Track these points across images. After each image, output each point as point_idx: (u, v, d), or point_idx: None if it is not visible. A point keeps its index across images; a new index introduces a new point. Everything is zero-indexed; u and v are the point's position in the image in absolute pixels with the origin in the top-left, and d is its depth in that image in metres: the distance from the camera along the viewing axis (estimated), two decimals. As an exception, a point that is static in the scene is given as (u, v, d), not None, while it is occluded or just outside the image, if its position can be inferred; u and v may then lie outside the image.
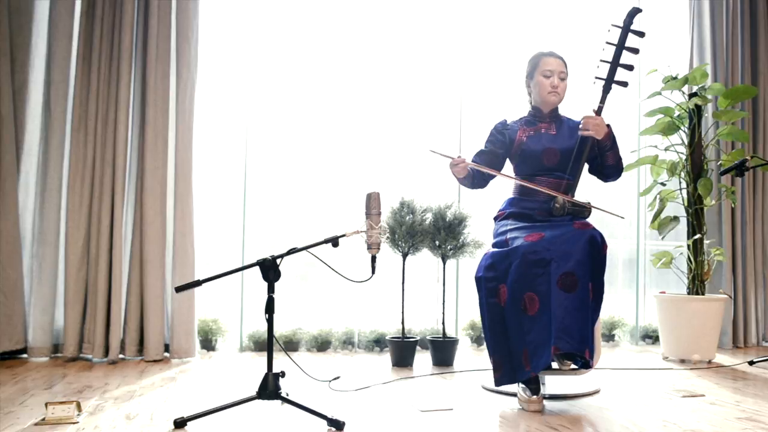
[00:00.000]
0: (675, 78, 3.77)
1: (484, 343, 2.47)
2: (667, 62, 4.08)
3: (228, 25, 3.82)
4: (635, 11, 2.63)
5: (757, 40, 4.36)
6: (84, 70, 3.35)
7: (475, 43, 4.13)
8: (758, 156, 4.18)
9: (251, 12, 3.82)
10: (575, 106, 2.67)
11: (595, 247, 2.33)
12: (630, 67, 2.63)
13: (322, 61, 3.97)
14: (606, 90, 2.63)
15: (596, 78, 2.65)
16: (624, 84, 2.64)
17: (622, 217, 2.60)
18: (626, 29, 2.62)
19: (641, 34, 2.63)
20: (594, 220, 2.58)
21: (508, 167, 2.80)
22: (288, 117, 3.94)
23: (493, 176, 2.72)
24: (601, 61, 2.64)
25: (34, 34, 3.37)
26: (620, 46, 2.62)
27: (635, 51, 2.62)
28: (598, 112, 2.61)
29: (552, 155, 2.65)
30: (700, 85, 3.80)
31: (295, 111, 3.95)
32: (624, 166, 2.76)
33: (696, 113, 3.77)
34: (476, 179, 2.71)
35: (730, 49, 4.24)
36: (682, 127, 3.84)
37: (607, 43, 2.64)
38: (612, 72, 2.63)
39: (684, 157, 3.84)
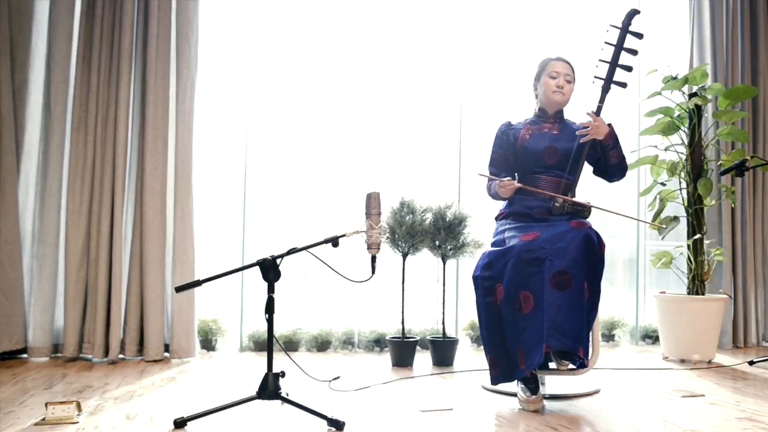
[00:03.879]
0: (675, 78, 3.77)
1: (484, 343, 2.46)
2: (667, 62, 4.08)
3: (228, 25, 3.82)
4: (633, 12, 2.63)
5: (757, 40, 4.36)
6: (84, 70, 3.35)
7: (475, 43, 4.12)
8: (758, 156, 4.18)
9: (251, 12, 3.82)
10: (578, 110, 2.67)
11: (591, 245, 2.33)
12: (629, 68, 2.63)
13: (322, 61, 3.97)
14: (605, 90, 2.63)
15: (595, 77, 2.65)
16: (623, 85, 2.64)
17: (652, 223, 2.59)
18: (624, 30, 2.62)
19: (640, 36, 2.63)
20: (595, 219, 2.58)
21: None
22: (288, 117, 3.94)
23: None
24: (600, 60, 2.64)
25: (34, 34, 3.37)
26: (619, 47, 2.63)
27: (634, 52, 2.62)
28: (597, 112, 2.60)
29: (553, 153, 2.65)
30: (700, 85, 3.80)
31: (295, 111, 3.95)
32: (628, 166, 2.76)
33: (696, 113, 3.77)
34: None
35: (730, 49, 4.24)
36: (682, 127, 3.84)
37: (606, 43, 2.64)
38: (611, 72, 2.63)
39: (684, 157, 3.84)
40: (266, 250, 2.21)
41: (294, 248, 2.17)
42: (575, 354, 2.24)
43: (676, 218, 3.82)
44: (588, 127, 2.56)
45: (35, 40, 3.37)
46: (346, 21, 3.97)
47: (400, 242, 3.34)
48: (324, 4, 3.96)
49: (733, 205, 4.14)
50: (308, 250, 2.19)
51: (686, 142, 3.84)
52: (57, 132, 3.33)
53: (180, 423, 2.00)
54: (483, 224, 3.32)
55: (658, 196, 3.86)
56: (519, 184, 2.58)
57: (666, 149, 3.89)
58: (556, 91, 2.66)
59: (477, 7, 4.14)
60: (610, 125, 2.61)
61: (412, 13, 4.09)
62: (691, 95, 3.80)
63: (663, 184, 3.89)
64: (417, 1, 4.09)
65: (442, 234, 3.33)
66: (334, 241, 2.18)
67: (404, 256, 3.36)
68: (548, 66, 2.70)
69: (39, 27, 3.38)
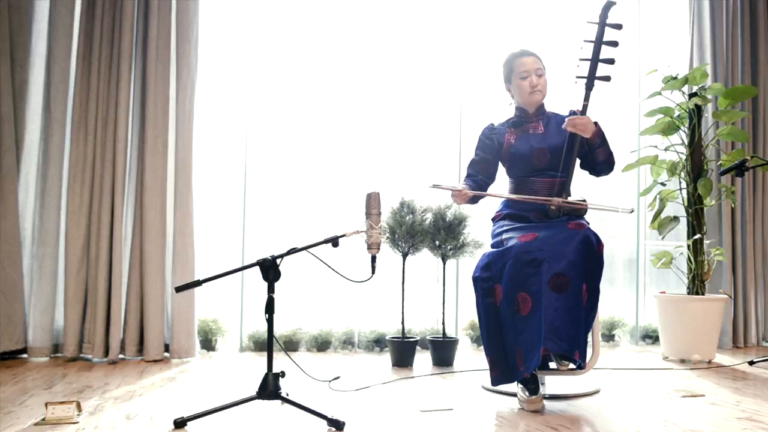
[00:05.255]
0: (675, 78, 3.77)
1: (483, 343, 2.46)
2: (667, 62, 4.07)
3: (228, 25, 3.82)
4: (609, 5, 2.58)
5: (757, 40, 4.36)
6: (84, 70, 3.35)
7: (475, 44, 4.12)
8: (758, 156, 4.17)
9: (251, 12, 3.82)
10: (563, 102, 2.65)
11: (590, 247, 2.33)
12: (611, 61, 2.57)
13: (322, 61, 3.97)
14: (589, 87, 2.58)
15: (577, 77, 2.60)
16: (606, 78, 2.58)
17: (617, 210, 2.56)
18: (602, 24, 2.58)
19: (618, 27, 2.57)
20: (594, 219, 2.57)
21: (502, 172, 2.80)
22: (288, 117, 3.94)
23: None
24: (581, 59, 2.59)
25: (34, 34, 3.37)
26: (598, 42, 2.57)
27: (615, 44, 2.57)
28: (583, 111, 2.57)
29: (542, 155, 2.64)
30: (700, 85, 3.79)
31: (295, 111, 3.95)
32: (616, 161, 2.69)
33: (696, 113, 3.77)
34: (476, 199, 2.72)
35: (730, 49, 4.24)
36: (682, 127, 3.84)
37: (585, 41, 2.60)
38: (593, 69, 2.58)
39: (684, 157, 3.84)
40: (266, 250, 2.21)
41: (294, 248, 2.18)
42: (572, 357, 2.25)
43: (676, 218, 3.82)
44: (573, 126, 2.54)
45: (35, 40, 3.37)
46: (346, 21, 3.97)
47: (400, 242, 3.34)
48: (324, 4, 3.96)
49: (733, 205, 4.13)
50: (308, 250, 2.19)
51: (686, 142, 3.84)
52: (57, 132, 3.33)
53: (180, 423, 2.00)
54: (483, 224, 3.32)
55: (658, 196, 3.86)
56: (472, 192, 2.60)
57: (666, 149, 3.89)
58: (532, 92, 2.64)
59: (477, 7, 4.14)
60: (596, 123, 2.58)
61: (412, 14, 4.08)
62: (691, 95, 3.80)
63: (663, 184, 3.89)
64: (417, 2, 4.09)
65: (442, 234, 3.33)
66: (334, 241, 2.18)
67: (404, 256, 3.36)
68: (515, 66, 2.66)
69: (39, 27, 3.38)
